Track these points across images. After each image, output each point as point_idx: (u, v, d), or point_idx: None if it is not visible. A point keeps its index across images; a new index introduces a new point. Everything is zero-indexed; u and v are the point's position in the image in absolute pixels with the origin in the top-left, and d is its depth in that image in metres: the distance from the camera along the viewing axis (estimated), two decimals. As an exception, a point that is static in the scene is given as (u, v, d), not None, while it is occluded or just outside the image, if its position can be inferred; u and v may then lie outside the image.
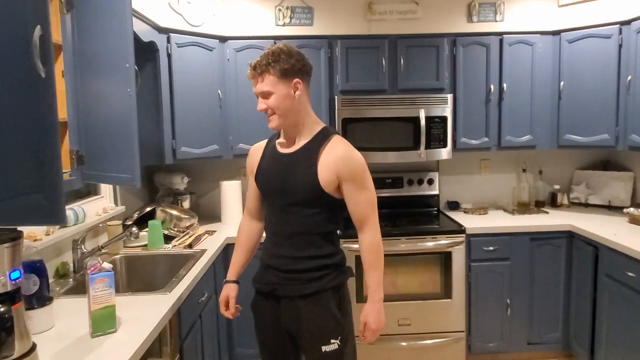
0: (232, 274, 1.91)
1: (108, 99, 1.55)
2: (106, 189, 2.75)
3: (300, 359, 1.86)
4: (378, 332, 1.71)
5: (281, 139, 1.77)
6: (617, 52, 2.80)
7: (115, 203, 2.81)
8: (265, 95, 1.62)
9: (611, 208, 3.22)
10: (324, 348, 1.68)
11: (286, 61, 1.61)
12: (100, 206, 2.64)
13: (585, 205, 3.35)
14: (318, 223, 1.70)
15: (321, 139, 1.70)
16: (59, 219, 0.97)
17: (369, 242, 1.71)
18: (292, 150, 1.71)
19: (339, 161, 1.64)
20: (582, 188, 3.38)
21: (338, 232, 1.79)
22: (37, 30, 0.94)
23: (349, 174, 1.65)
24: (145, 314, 1.68)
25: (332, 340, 1.69)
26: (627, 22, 2.75)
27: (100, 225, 2.51)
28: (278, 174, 1.71)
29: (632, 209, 2.85)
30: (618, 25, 2.80)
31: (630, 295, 2.36)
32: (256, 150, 1.85)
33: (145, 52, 2.65)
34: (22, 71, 0.93)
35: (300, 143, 1.70)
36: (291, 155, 1.71)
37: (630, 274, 2.35)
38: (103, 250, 2.34)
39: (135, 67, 1.53)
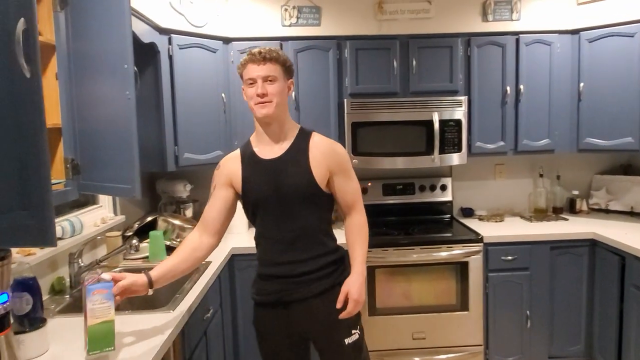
0: (155, 271, 1.60)
1: (105, 103, 1.43)
2: (105, 197, 2.62)
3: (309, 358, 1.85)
4: (359, 305, 1.66)
5: (258, 147, 1.75)
6: (642, 52, 2.68)
7: (115, 213, 2.68)
8: (270, 79, 1.63)
9: (634, 214, 3.09)
10: (346, 340, 1.69)
11: (289, 61, 1.70)
12: (99, 216, 2.51)
13: (605, 212, 3.21)
14: (318, 221, 1.72)
15: (304, 138, 1.73)
16: (47, 240, 0.83)
17: (357, 222, 1.76)
18: (278, 155, 1.71)
19: (328, 155, 1.70)
20: (602, 194, 3.24)
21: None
22: (21, 24, 0.81)
23: (338, 166, 1.71)
24: (146, 335, 1.56)
25: (353, 331, 1.72)
26: (652, 20, 2.63)
27: (99, 237, 2.38)
28: (269, 180, 1.69)
29: (658, 216, 2.73)
30: (642, 23, 2.68)
31: (663, 309, 2.22)
32: (232, 162, 1.78)
33: (146, 54, 2.53)
34: (3, 71, 0.80)
35: (285, 146, 1.71)
36: (279, 159, 1.70)
37: (662, 285, 2.21)
38: (102, 264, 2.21)
39: (135, 68, 1.40)
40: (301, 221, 1.69)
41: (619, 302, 2.56)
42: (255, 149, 1.74)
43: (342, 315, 1.64)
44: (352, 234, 1.75)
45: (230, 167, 1.76)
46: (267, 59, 1.61)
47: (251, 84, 1.63)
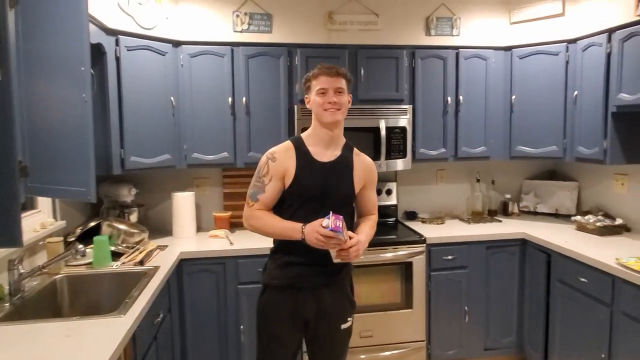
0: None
1: (59, 105, 1.39)
2: (44, 202, 2.50)
3: (302, 342, 2.05)
4: (355, 251, 1.80)
5: (313, 148, 1.94)
6: (564, 69, 2.96)
7: (55, 217, 2.57)
8: (340, 91, 1.88)
9: (558, 216, 3.39)
10: (342, 326, 1.97)
11: (352, 78, 1.98)
12: (38, 221, 2.40)
13: (534, 214, 3.50)
14: (346, 221, 1.90)
15: (349, 150, 2.01)
16: (14, 241, 0.82)
17: (374, 218, 2.08)
18: (331, 160, 1.94)
19: (367, 170, 2.01)
20: (530, 197, 3.53)
21: None
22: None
23: (372, 180, 2.04)
24: (99, 340, 1.53)
25: (349, 319, 2.00)
26: (574, 41, 2.91)
27: (40, 242, 2.28)
28: (319, 180, 1.90)
29: (578, 217, 3.01)
30: (565, 44, 2.95)
31: (583, 300, 2.46)
32: (287, 155, 1.94)
33: (92, 55, 2.46)
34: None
35: (336, 153, 1.96)
36: (332, 164, 1.94)
37: (582, 279, 2.45)
38: (44, 270, 2.11)
39: (92, 71, 1.39)
40: None
41: (545, 296, 2.81)
42: (310, 149, 1.94)
43: (343, 248, 1.77)
44: (366, 221, 2.04)
45: (286, 161, 1.92)
46: (339, 73, 1.89)
47: (322, 93, 1.87)
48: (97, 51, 2.47)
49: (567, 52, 2.95)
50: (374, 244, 2.87)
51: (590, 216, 2.98)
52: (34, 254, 2.29)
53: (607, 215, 2.99)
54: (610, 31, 2.61)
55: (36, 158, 1.48)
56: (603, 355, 2.31)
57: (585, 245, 2.61)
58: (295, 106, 2.93)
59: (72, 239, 2.57)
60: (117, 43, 2.56)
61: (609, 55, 2.62)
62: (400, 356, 2.93)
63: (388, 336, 2.91)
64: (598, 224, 2.86)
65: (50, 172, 1.47)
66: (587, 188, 3.31)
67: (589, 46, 2.77)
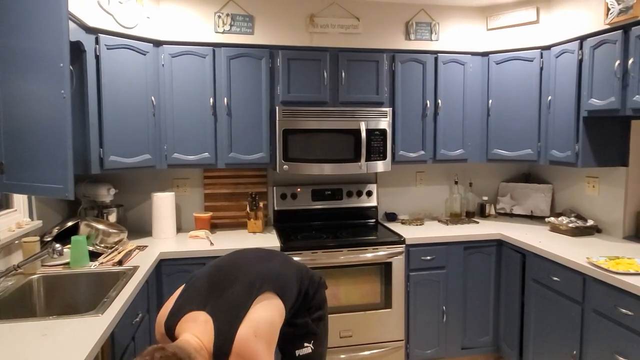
0: None
1: (37, 101, 1.38)
2: (20, 201, 2.47)
3: None
4: None
5: None
6: (539, 74, 3.04)
7: (31, 217, 2.53)
8: None
9: (533, 217, 3.47)
10: (297, 352, 1.74)
11: None
12: (13, 220, 2.36)
13: (510, 215, 3.58)
14: None
15: None
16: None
17: None
18: None
19: None
20: (507, 199, 3.61)
21: None
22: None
23: None
24: (76, 339, 1.52)
25: (306, 344, 1.76)
26: (547, 48, 3.00)
27: (15, 242, 2.24)
28: None
29: (552, 218, 3.09)
30: (539, 50, 3.04)
31: (555, 298, 2.54)
32: None
33: (71, 53, 2.44)
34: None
35: None
36: None
37: (555, 278, 2.53)
38: (19, 270, 2.08)
39: (71, 67, 1.39)
40: None
41: (520, 295, 2.88)
42: None
43: None
44: None
45: None
46: None
47: None
48: (77, 49, 2.46)
49: (541, 58, 3.03)
50: (354, 244, 2.91)
51: (563, 217, 3.07)
52: (9, 253, 2.25)
53: (579, 217, 3.08)
54: (582, 39, 2.70)
55: (12, 154, 1.47)
56: (575, 352, 2.38)
57: (558, 245, 2.68)
58: (277, 107, 2.95)
59: (49, 238, 2.53)
60: (97, 41, 2.54)
61: (580, 62, 2.71)
62: (380, 355, 2.96)
63: (367, 336, 2.94)
64: (570, 225, 2.94)
65: (27, 169, 1.46)
66: (561, 190, 3.41)
67: (562, 53, 2.86)
